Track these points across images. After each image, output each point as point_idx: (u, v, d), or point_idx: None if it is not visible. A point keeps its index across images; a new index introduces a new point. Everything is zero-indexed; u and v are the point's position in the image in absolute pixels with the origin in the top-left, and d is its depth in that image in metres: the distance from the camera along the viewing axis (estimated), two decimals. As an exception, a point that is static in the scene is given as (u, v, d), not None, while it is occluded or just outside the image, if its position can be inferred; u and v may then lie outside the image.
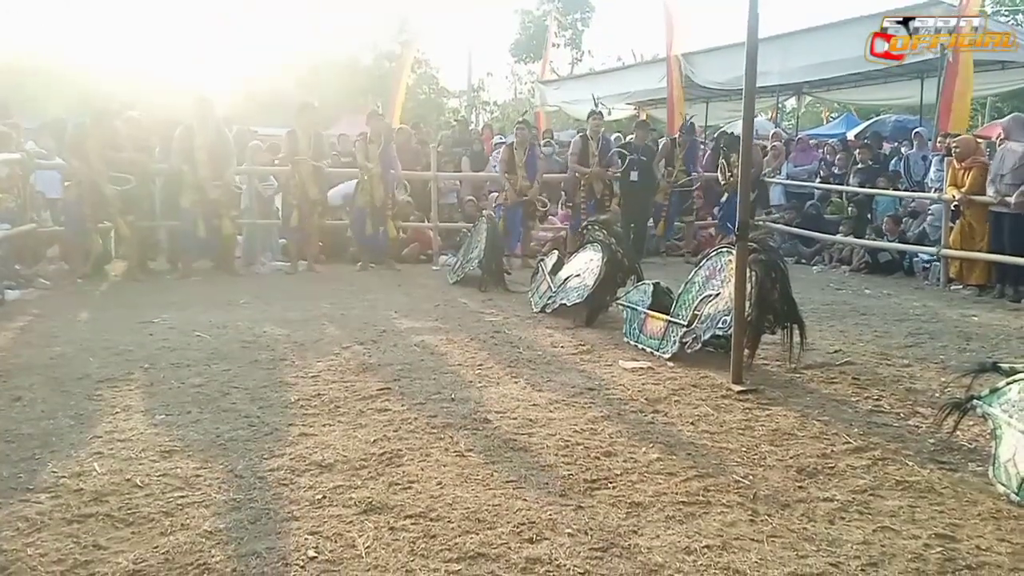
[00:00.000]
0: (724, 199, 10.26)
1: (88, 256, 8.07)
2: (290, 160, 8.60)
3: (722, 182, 10.10)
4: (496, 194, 10.96)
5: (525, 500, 2.90)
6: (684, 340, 4.92)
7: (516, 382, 4.47)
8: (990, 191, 7.61)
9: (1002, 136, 7.91)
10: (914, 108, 14.25)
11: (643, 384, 4.45)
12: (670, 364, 4.87)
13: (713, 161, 10.63)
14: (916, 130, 10.73)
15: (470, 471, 3.16)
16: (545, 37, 25.90)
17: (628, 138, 10.97)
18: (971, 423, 3.60)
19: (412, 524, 2.70)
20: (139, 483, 3.00)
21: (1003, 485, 2.99)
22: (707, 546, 2.57)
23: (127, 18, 34.48)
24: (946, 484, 3.10)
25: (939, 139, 9.32)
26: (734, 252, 4.45)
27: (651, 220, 10.57)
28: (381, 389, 4.27)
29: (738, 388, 4.32)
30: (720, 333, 4.73)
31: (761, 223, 9.65)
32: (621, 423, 3.77)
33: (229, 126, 10.09)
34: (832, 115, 22.69)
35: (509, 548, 2.53)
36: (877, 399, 4.23)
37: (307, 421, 3.74)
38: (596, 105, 12.41)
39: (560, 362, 4.95)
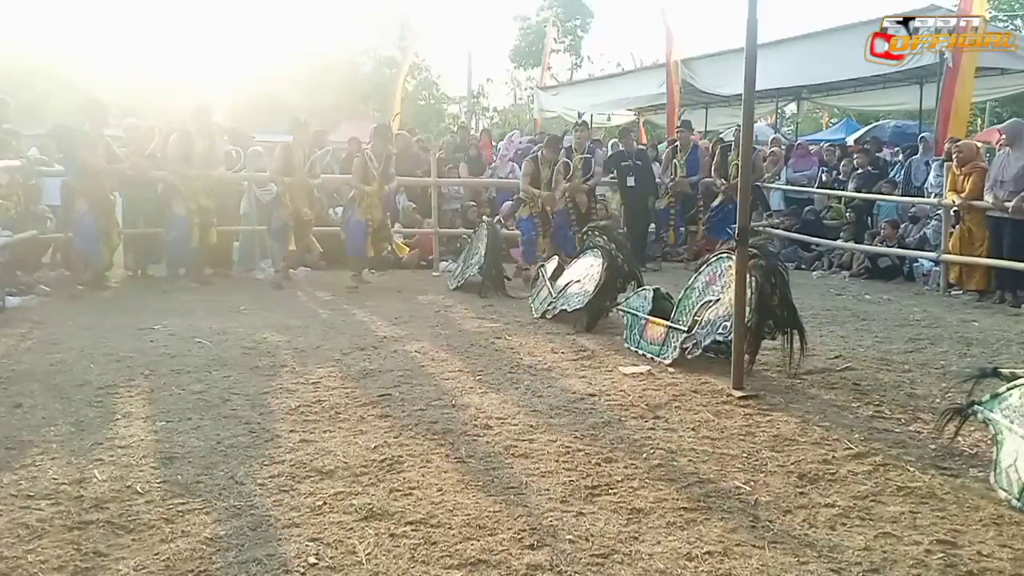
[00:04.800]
0: (716, 204, 10.18)
1: (89, 264, 8.05)
2: (282, 178, 8.24)
3: (720, 186, 10.06)
4: (508, 203, 10.92)
5: (526, 506, 2.89)
6: (684, 346, 4.92)
7: (516, 388, 4.47)
8: (988, 197, 7.62)
9: (1002, 141, 7.93)
10: (913, 113, 14.27)
11: (644, 390, 4.45)
12: (671, 370, 4.87)
13: (711, 165, 10.62)
14: (923, 135, 10.72)
15: (471, 477, 3.16)
16: (544, 43, 25.99)
17: (611, 142, 10.96)
18: (972, 429, 3.59)
19: (413, 530, 2.70)
20: (140, 490, 3.00)
21: (1004, 491, 2.99)
22: (708, 552, 2.56)
23: (128, 23, 34.59)
24: (947, 490, 3.10)
25: (946, 143, 9.30)
26: (734, 258, 4.45)
27: (654, 227, 10.55)
28: (381, 395, 4.28)
29: (739, 394, 4.32)
30: (720, 339, 4.73)
31: (760, 228, 9.65)
32: (622, 429, 3.77)
33: (230, 134, 10.14)
34: (832, 120, 22.75)
35: (510, 554, 2.53)
36: (878, 405, 4.22)
37: (307, 427, 3.74)
38: (579, 117, 11.97)
39: (560, 368, 4.95)
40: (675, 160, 10.34)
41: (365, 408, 4.05)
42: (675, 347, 4.99)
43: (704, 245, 9.96)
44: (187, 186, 8.04)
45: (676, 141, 10.67)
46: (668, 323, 5.15)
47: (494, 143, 13.18)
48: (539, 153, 9.15)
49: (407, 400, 4.20)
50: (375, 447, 3.48)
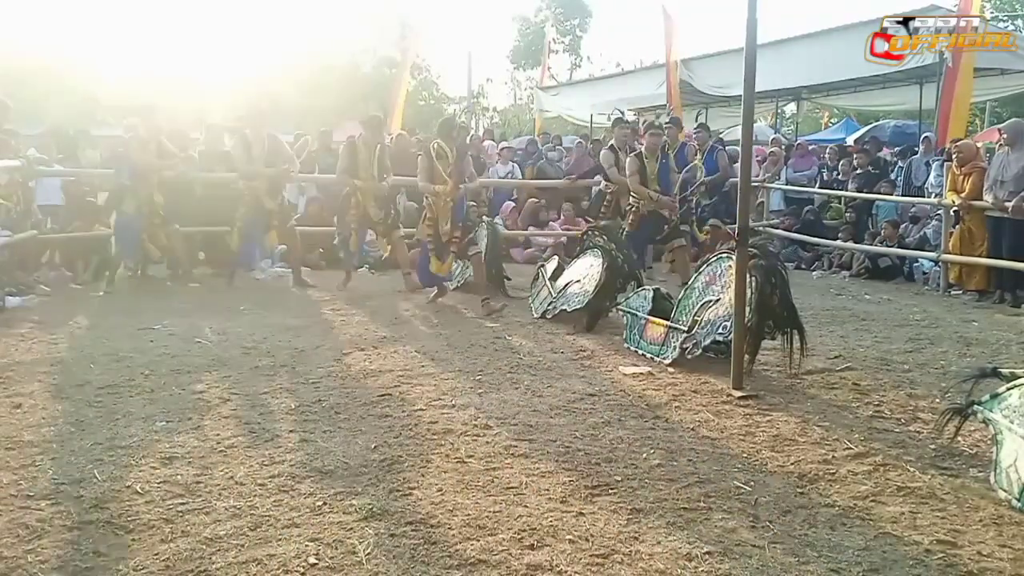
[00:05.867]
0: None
1: (142, 263, 8.13)
2: (349, 180, 7.64)
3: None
4: (509, 203, 10.82)
5: (526, 507, 2.89)
6: (684, 346, 4.92)
7: (516, 388, 4.47)
8: (987, 197, 7.62)
9: (1002, 141, 7.93)
10: (913, 113, 14.27)
11: (643, 390, 4.45)
12: (670, 370, 4.87)
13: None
14: (926, 135, 10.73)
15: (471, 477, 3.16)
16: (543, 43, 25.98)
17: (611, 142, 10.85)
18: (972, 429, 3.60)
19: (412, 531, 2.70)
20: (139, 490, 2.99)
21: (1004, 491, 2.99)
22: (708, 552, 2.56)
23: (128, 23, 34.60)
24: (947, 490, 3.10)
25: (949, 144, 9.30)
26: (734, 258, 4.45)
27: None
28: (381, 395, 4.27)
29: (738, 394, 4.32)
30: (720, 339, 4.73)
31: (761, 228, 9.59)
32: (622, 429, 3.76)
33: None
34: (832, 120, 22.76)
35: (510, 555, 2.53)
36: (878, 405, 4.23)
37: (307, 427, 3.74)
38: (623, 113, 10.68)
39: (560, 368, 4.94)
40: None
41: (365, 408, 4.05)
42: (675, 347, 4.99)
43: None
44: (250, 192, 7.85)
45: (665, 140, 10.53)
46: (668, 323, 5.15)
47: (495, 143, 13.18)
48: (641, 146, 8.21)
49: (407, 400, 4.20)
50: (375, 447, 3.48)
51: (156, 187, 7.84)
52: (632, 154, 8.22)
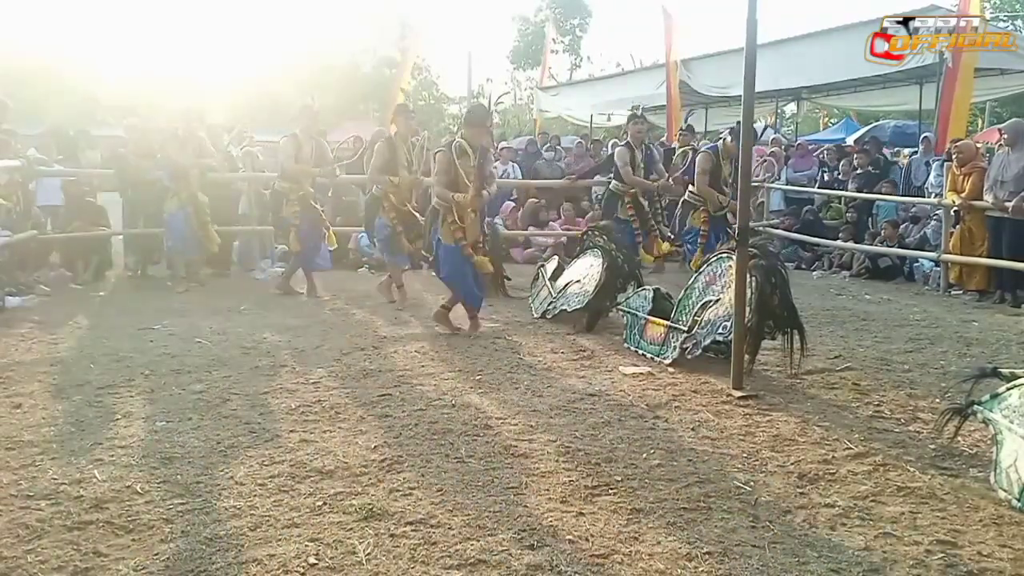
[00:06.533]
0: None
1: (182, 261, 8.14)
2: (381, 177, 6.93)
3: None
4: (509, 203, 10.76)
5: (526, 507, 2.89)
6: (684, 346, 4.92)
7: (516, 388, 4.47)
8: (987, 197, 7.63)
9: (1002, 141, 7.93)
10: (913, 114, 14.28)
11: (643, 390, 4.45)
12: (671, 370, 4.87)
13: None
14: (925, 135, 10.73)
15: (471, 477, 3.16)
16: (543, 43, 25.97)
17: (611, 142, 10.81)
18: (972, 429, 3.60)
19: (412, 531, 2.70)
20: (139, 490, 3.00)
21: (1004, 491, 2.99)
22: (708, 552, 2.56)
23: (128, 24, 34.60)
24: (947, 490, 3.10)
25: (949, 144, 9.31)
26: (734, 258, 4.45)
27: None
28: (381, 395, 4.27)
29: (739, 394, 4.31)
30: (720, 339, 4.73)
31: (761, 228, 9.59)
32: (622, 429, 3.76)
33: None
34: (831, 121, 22.77)
35: (510, 555, 2.53)
36: (878, 405, 4.22)
37: (307, 427, 3.74)
38: (639, 109, 10.20)
39: (560, 368, 4.94)
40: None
41: (365, 408, 4.05)
42: (675, 347, 4.99)
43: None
44: (296, 193, 7.58)
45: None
46: (668, 323, 5.15)
47: (495, 143, 13.17)
48: (719, 145, 7.83)
49: (407, 400, 4.20)
50: (375, 447, 3.48)
51: (199, 186, 7.90)
52: (706, 150, 7.86)
